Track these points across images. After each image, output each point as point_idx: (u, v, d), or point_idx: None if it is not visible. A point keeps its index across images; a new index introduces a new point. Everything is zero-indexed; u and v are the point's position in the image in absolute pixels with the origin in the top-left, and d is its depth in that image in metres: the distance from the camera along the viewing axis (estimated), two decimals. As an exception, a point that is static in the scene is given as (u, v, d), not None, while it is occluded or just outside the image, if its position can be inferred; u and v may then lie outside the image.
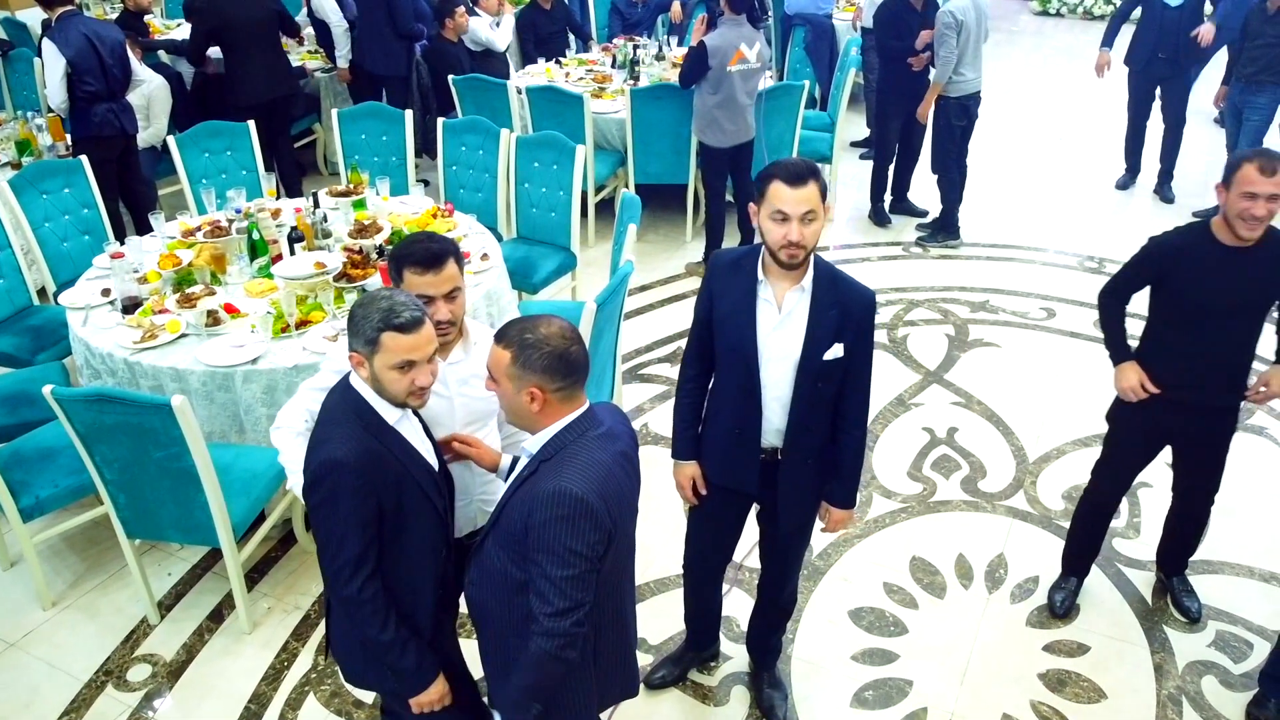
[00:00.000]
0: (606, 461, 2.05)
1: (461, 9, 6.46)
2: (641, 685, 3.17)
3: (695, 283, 5.83)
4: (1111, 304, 3.19)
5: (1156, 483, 3.93)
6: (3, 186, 4.48)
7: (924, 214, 6.50)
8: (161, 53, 6.86)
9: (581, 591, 1.99)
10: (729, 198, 5.83)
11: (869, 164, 6.69)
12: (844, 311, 2.49)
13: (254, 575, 3.68)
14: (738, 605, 3.50)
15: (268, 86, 6.21)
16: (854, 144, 7.88)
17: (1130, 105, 6.92)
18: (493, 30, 6.71)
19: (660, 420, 4.54)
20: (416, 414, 2.28)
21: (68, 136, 5.53)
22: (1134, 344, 3.16)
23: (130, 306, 3.78)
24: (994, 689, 3.21)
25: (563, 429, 2.06)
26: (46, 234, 4.62)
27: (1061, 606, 3.48)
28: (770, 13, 7.57)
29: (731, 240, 5.98)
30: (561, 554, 1.95)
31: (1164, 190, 6.97)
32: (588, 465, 2.01)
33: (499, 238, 5.23)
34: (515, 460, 2.31)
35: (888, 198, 6.57)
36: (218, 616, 3.52)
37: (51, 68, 5.13)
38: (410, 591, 2.22)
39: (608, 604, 2.20)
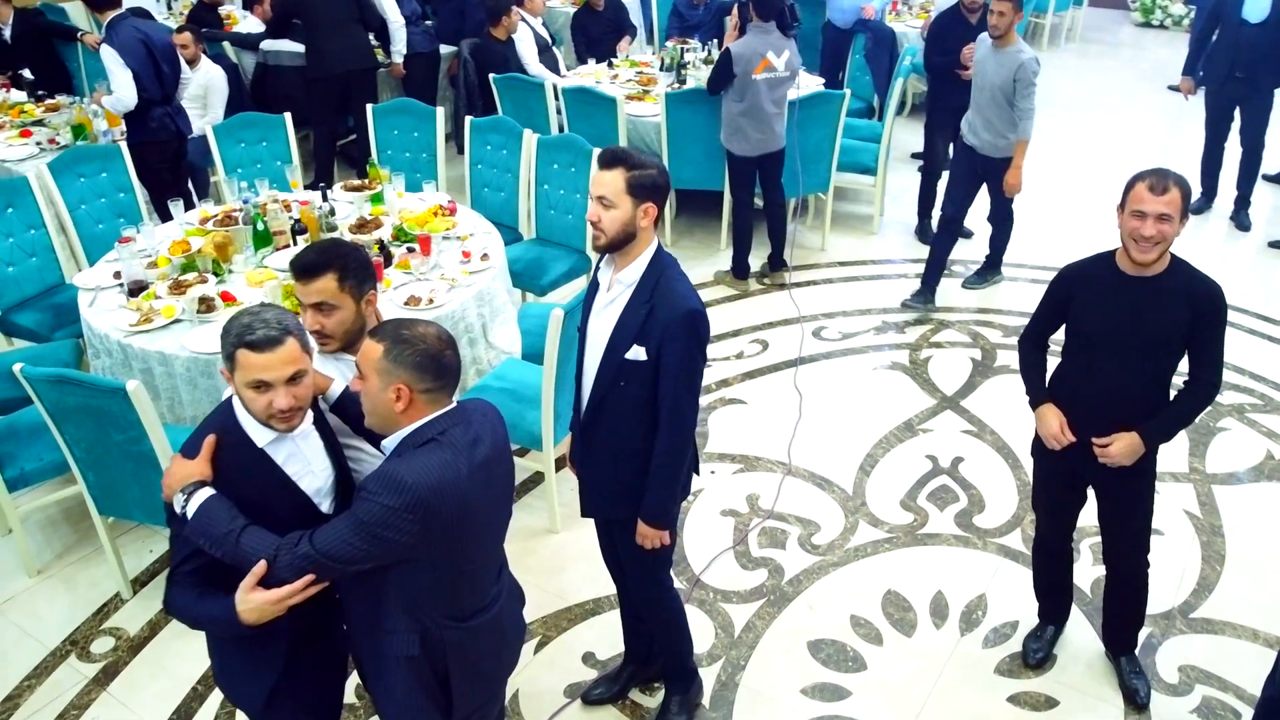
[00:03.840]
0: (453, 461, 1.99)
1: (515, 8, 6.49)
2: (578, 700, 3.18)
3: (722, 291, 5.75)
4: (1025, 346, 3.00)
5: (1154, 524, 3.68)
6: (41, 169, 4.69)
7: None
8: (226, 44, 7.09)
9: (362, 555, 1.95)
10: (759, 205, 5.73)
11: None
12: (652, 314, 2.47)
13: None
14: (690, 624, 3.40)
15: (344, 60, 6.42)
16: (915, 155, 7.63)
17: (1207, 126, 6.54)
18: (528, 44, 6.68)
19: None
20: (326, 437, 2.20)
21: (123, 122, 5.77)
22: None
23: (135, 290, 3.91)
24: (943, 737, 3.07)
25: (422, 425, 2.02)
26: (82, 216, 4.82)
27: (1034, 656, 3.29)
28: (800, 21, 7.38)
29: (760, 250, 5.86)
30: (372, 521, 1.92)
31: (1240, 217, 6.55)
32: (433, 462, 1.97)
33: (519, 237, 5.25)
34: (349, 394, 2.30)
35: (936, 214, 6.33)
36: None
37: (119, 73, 5.17)
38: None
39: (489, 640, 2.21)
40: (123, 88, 5.16)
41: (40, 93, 6.27)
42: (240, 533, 1.97)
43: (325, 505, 2.18)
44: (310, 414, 2.16)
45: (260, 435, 2.07)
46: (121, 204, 4.98)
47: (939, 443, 4.43)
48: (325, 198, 4.46)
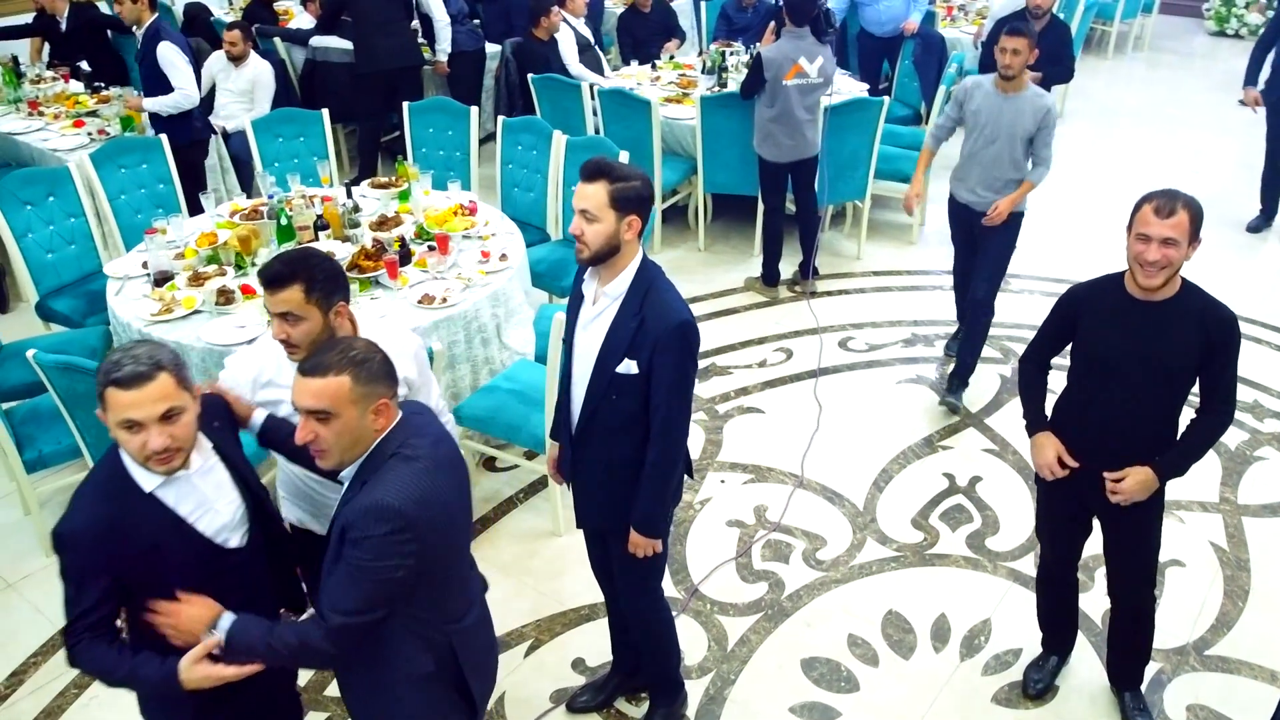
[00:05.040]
0: (427, 470, 1.99)
1: (556, 8, 6.51)
2: (562, 707, 3.17)
3: (750, 298, 5.70)
4: (1026, 368, 2.91)
5: (1173, 553, 3.56)
6: (83, 158, 4.83)
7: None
8: (277, 40, 7.23)
9: (380, 595, 1.93)
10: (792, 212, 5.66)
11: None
12: (642, 327, 2.44)
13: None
14: (684, 634, 3.37)
15: (390, 58, 6.52)
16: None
17: (1268, 140, 6.28)
18: (569, 44, 6.69)
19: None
20: (234, 465, 2.13)
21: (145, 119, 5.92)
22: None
23: (161, 280, 4.00)
24: (931, 765, 2.99)
25: (380, 442, 2.00)
26: (121, 205, 4.96)
27: (1034, 687, 3.19)
28: (835, 27, 7.26)
29: (791, 258, 5.78)
30: (372, 554, 1.89)
31: (1300, 237, 6.29)
32: (406, 476, 1.95)
33: (546, 238, 5.26)
34: (274, 421, 2.31)
35: None
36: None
37: (184, 69, 5.25)
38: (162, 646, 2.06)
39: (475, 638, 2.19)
40: (188, 84, 5.30)
41: (96, 84, 6.44)
42: (277, 637, 1.97)
43: (235, 540, 2.11)
44: (208, 443, 2.09)
45: (147, 480, 1.98)
46: (160, 195, 5.11)
47: (958, 461, 4.32)
48: (349, 194, 4.51)
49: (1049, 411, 2.89)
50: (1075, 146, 7.98)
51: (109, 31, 7.07)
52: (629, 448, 2.59)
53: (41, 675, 3.31)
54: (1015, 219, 4.44)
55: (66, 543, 1.93)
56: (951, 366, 4.73)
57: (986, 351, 5.04)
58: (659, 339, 2.44)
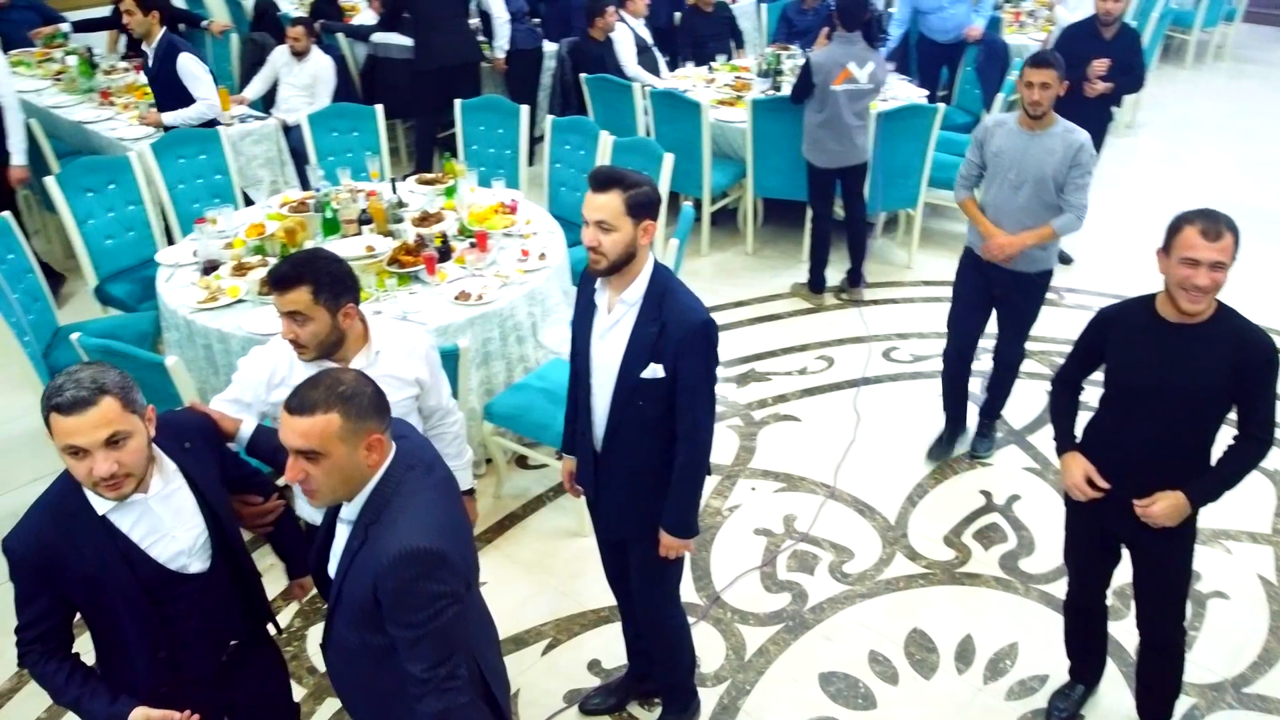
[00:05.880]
0: (434, 498, 1.94)
1: (612, 9, 6.52)
2: (575, 707, 3.17)
3: (795, 304, 5.64)
4: (1058, 389, 2.82)
5: (1217, 584, 3.42)
6: (144, 148, 4.98)
7: (1069, 261, 5.94)
8: (340, 35, 7.36)
9: (455, 635, 1.89)
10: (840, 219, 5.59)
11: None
12: (664, 331, 2.42)
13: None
14: (701, 641, 3.35)
15: (449, 54, 6.60)
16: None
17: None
18: (626, 45, 6.68)
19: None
20: (201, 493, 2.07)
21: (233, 106, 6.07)
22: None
23: (208, 269, 4.10)
24: (944, 789, 2.93)
25: (379, 482, 1.91)
26: (180, 195, 5.10)
27: (1058, 715, 3.10)
28: (887, 33, 7.15)
29: (839, 265, 5.71)
30: (428, 606, 1.82)
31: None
32: (419, 510, 1.88)
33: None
34: (263, 433, 2.28)
35: None
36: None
37: (207, 80, 5.31)
38: (121, 676, 2.09)
39: (479, 631, 2.14)
40: (211, 94, 5.33)
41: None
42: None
43: (195, 565, 2.07)
44: (171, 465, 2.05)
45: (101, 503, 1.93)
46: (217, 185, 5.24)
47: (997, 478, 4.22)
48: (394, 189, 4.57)
49: (1081, 434, 2.80)
50: (1145, 158, 7.76)
51: (180, 25, 7.26)
52: (654, 453, 2.58)
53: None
54: (1044, 278, 3.97)
55: (9, 557, 1.93)
56: (943, 432, 4.37)
57: (1034, 367, 4.92)
58: (682, 341, 2.43)
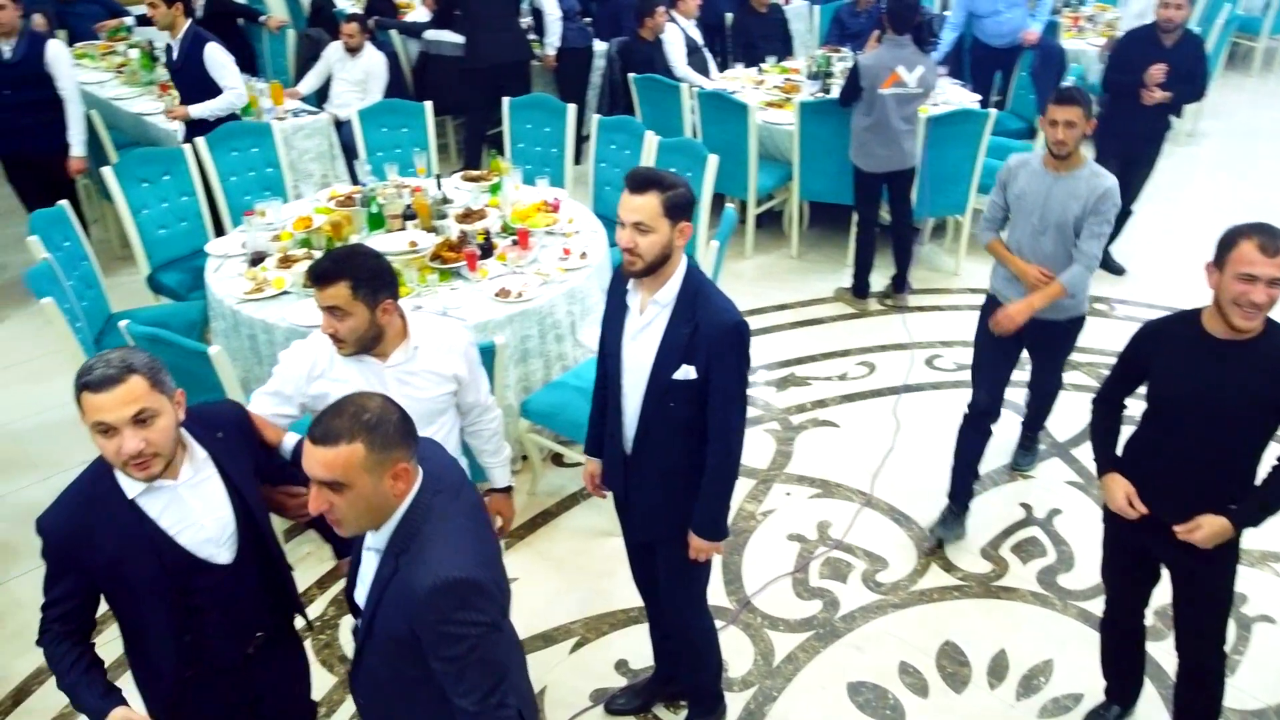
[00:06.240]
0: (465, 524, 1.89)
1: (661, 9, 6.51)
2: (600, 707, 3.18)
3: (838, 309, 5.59)
4: (1099, 406, 2.75)
5: (1263, 608, 3.32)
6: (199, 140, 5.08)
7: (1121, 271, 5.82)
8: (393, 32, 7.45)
9: (499, 662, 1.85)
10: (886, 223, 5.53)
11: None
12: (697, 331, 2.41)
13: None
14: (730, 645, 3.34)
15: (499, 53, 6.66)
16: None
17: None
18: (676, 45, 6.67)
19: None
20: (233, 484, 2.09)
21: (286, 100, 6.17)
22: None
23: (256, 260, 4.18)
24: (971, 806, 2.88)
25: (407, 510, 1.85)
26: (232, 187, 5.19)
27: (1092, 736, 3.04)
28: (938, 36, 7.03)
29: (884, 270, 5.65)
30: (468, 637, 1.78)
31: None
32: (451, 538, 1.83)
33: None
34: (295, 449, 2.28)
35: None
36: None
37: (235, 71, 5.33)
38: (147, 662, 2.13)
39: (513, 655, 2.11)
40: (239, 83, 5.34)
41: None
42: None
43: (222, 556, 2.09)
44: (202, 454, 2.07)
45: (130, 486, 1.97)
46: (268, 178, 5.33)
47: (1038, 491, 4.15)
48: (439, 185, 4.61)
49: (1122, 450, 2.74)
50: (1206, 168, 7.57)
51: (240, 20, 7.41)
52: (684, 454, 2.57)
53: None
54: (1075, 324, 3.72)
55: (42, 536, 1.98)
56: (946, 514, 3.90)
57: (1081, 379, 4.84)
58: (715, 342, 2.43)
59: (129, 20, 7.54)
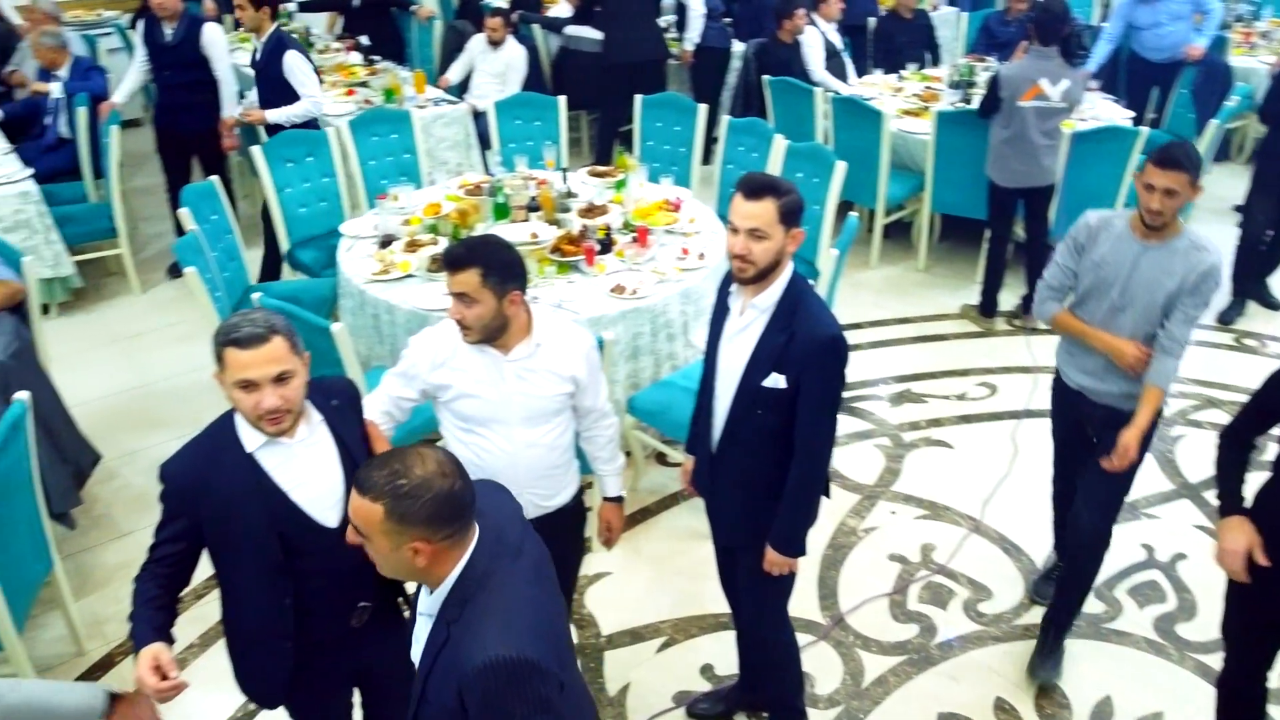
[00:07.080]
0: (524, 592, 1.78)
1: (801, 11, 6.43)
2: (682, 709, 3.17)
3: (963, 326, 5.42)
4: (1227, 443, 2.57)
5: None
6: (342, 125, 5.29)
7: (1277, 306, 5.44)
8: (535, 26, 7.59)
9: None
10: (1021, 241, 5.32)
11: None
12: (792, 341, 2.37)
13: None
14: (819, 662, 3.28)
15: (636, 50, 6.74)
16: (1237, 208, 6.74)
17: None
18: (815, 49, 6.57)
19: (841, 459, 4.30)
20: (346, 447, 2.16)
21: (429, 89, 6.37)
22: None
23: (385, 243, 4.33)
24: None
25: (460, 576, 1.76)
26: (370, 170, 5.40)
27: (1199, 797, 2.85)
28: (1087, 50, 6.68)
29: (1014, 289, 5.44)
30: (516, 714, 1.68)
31: None
32: (506, 610, 1.73)
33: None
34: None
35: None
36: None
37: (312, 76, 5.33)
38: (245, 611, 2.20)
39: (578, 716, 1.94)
40: (317, 92, 5.36)
41: (372, 58, 7.03)
42: None
43: (331, 518, 2.14)
44: (317, 416, 2.15)
45: (251, 439, 2.06)
46: (405, 164, 5.52)
47: (1163, 533, 3.92)
48: (565, 179, 4.67)
49: (1252, 501, 2.56)
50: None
51: (392, 9, 7.69)
52: (769, 463, 2.54)
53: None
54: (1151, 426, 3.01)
55: (163, 479, 2.10)
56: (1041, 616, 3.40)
57: (1217, 417, 4.54)
58: (809, 354, 2.39)
59: (290, 6, 7.91)
